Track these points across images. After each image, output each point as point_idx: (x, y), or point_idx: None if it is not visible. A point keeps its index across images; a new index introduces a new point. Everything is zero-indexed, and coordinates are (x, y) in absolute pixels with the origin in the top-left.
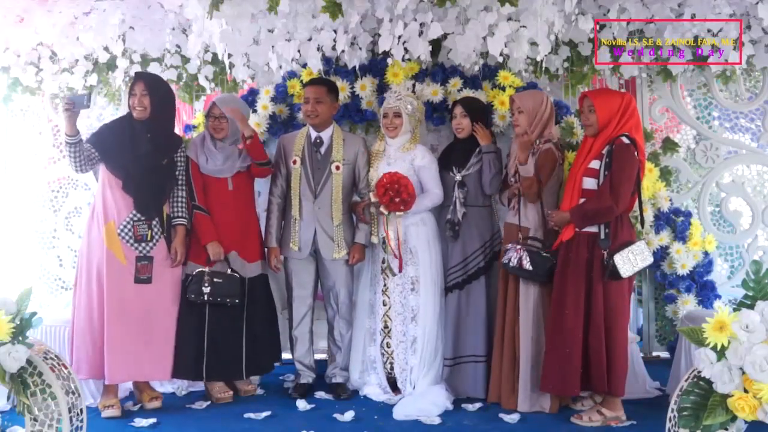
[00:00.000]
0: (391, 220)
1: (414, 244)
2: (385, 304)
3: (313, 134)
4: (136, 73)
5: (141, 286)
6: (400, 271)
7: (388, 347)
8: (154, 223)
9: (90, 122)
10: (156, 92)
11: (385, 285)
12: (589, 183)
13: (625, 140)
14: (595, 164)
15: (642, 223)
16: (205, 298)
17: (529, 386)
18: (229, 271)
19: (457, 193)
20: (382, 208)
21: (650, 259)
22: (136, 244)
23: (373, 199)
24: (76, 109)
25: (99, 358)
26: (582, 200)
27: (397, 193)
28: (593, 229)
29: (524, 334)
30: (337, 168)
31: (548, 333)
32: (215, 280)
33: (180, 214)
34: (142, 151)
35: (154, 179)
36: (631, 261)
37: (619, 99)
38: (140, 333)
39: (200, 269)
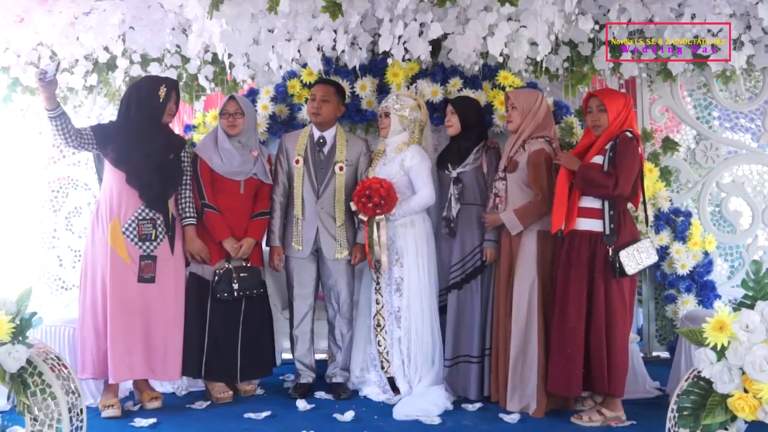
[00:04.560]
0: (374, 224)
1: (401, 245)
2: (378, 303)
3: (316, 134)
4: (168, 80)
5: (144, 285)
6: (376, 270)
7: (380, 345)
8: (158, 222)
9: (90, 122)
10: (179, 98)
11: (378, 284)
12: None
13: (629, 134)
14: (597, 159)
15: (646, 222)
16: (236, 294)
17: (516, 386)
18: (247, 264)
19: (452, 189)
20: (361, 215)
21: (655, 258)
22: (140, 243)
23: (353, 208)
24: (47, 77)
25: (103, 357)
26: (582, 200)
27: (369, 198)
28: (595, 227)
29: (515, 333)
30: (341, 169)
31: (552, 333)
32: (241, 275)
33: (189, 213)
34: (152, 149)
35: (161, 174)
36: (636, 258)
37: (623, 98)
38: (143, 332)
39: (227, 267)
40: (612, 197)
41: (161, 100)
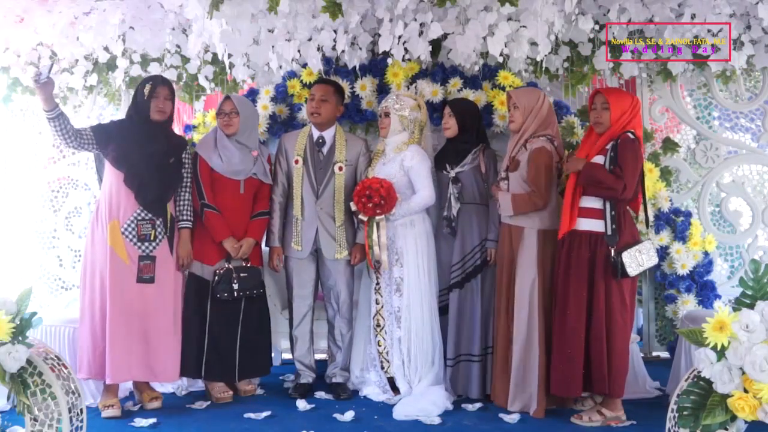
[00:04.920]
0: (374, 225)
1: (401, 245)
2: (377, 303)
3: (316, 134)
4: (156, 77)
5: (143, 285)
6: (377, 272)
7: (379, 345)
8: (157, 222)
9: (90, 123)
10: (173, 96)
11: (377, 284)
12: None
13: (631, 135)
14: (598, 159)
15: (647, 223)
16: (236, 294)
17: (518, 386)
18: (247, 264)
19: (451, 189)
20: (361, 216)
21: (656, 260)
22: (139, 243)
23: (353, 208)
24: (42, 78)
25: (100, 358)
26: (582, 200)
27: (369, 198)
28: (595, 227)
29: (516, 333)
30: (340, 169)
31: (552, 334)
32: (242, 275)
33: (185, 216)
34: (153, 150)
35: (161, 177)
36: (638, 260)
37: (630, 99)
38: (142, 333)
39: (227, 267)
40: (617, 200)
41: (145, 98)
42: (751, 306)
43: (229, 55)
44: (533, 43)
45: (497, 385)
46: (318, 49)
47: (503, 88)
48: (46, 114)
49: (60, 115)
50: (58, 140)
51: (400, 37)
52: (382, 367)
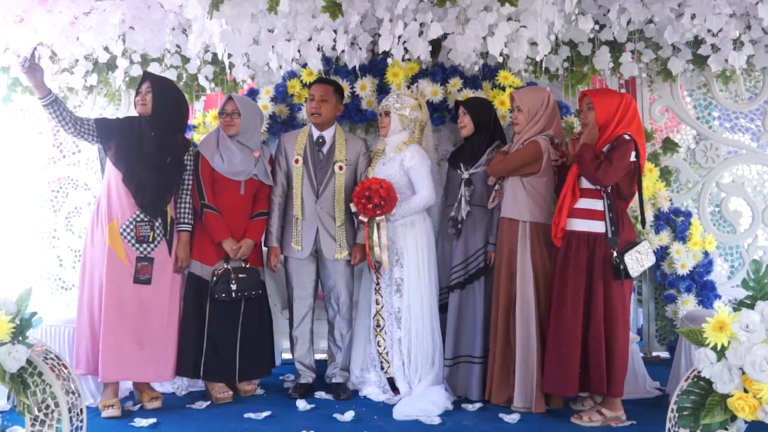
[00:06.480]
0: (374, 225)
1: (401, 246)
2: (377, 303)
3: (315, 133)
4: (144, 72)
5: (139, 286)
6: (377, 273)
7: (379, 345)
8: (156, 224)
9: None
10: (159, 91)
11: (377, 284)
12: (588, 182)
13: (627, 137)
14: None
15: (643, 223)
16: (234, 295)
17: (521, 383)
18: (246, 264)
19: (463, 190)
20: (361, 217)
21: (653, 259)
22: (137, 245)
23: (353, 209)
24: (26, 64)
25: (98, 354)
26: (580, 201)
27: (369, 199)
28: (593, 228)
29: (518, 330)
30: (341, 168)
31: (548, 333)
32: (240, 275)
33: (185, 219)
34: (146, 150)
35: (158, 177)
36: (638, 261)
37: (618, 99)
38: (136, 333)
39: (225, 268)
40: (591, 179)
41: (135, 95)
42: (751, 306)
43: (229, 55)
44: (533, 43)
45: (494, 384)
46: (318, 49)
47: (503, 88)
48: (41, 101)
49: (55, 101)
50: (60, 126)
51: (400, 37)
52: (382, 368)
